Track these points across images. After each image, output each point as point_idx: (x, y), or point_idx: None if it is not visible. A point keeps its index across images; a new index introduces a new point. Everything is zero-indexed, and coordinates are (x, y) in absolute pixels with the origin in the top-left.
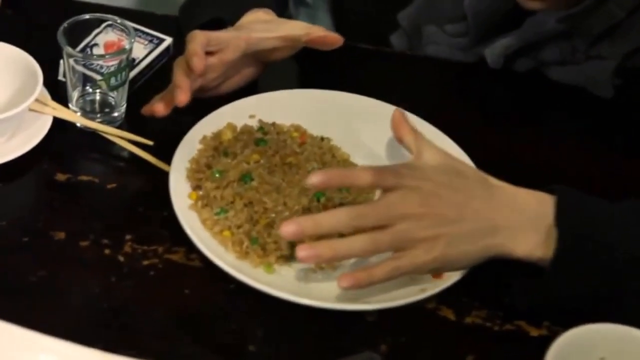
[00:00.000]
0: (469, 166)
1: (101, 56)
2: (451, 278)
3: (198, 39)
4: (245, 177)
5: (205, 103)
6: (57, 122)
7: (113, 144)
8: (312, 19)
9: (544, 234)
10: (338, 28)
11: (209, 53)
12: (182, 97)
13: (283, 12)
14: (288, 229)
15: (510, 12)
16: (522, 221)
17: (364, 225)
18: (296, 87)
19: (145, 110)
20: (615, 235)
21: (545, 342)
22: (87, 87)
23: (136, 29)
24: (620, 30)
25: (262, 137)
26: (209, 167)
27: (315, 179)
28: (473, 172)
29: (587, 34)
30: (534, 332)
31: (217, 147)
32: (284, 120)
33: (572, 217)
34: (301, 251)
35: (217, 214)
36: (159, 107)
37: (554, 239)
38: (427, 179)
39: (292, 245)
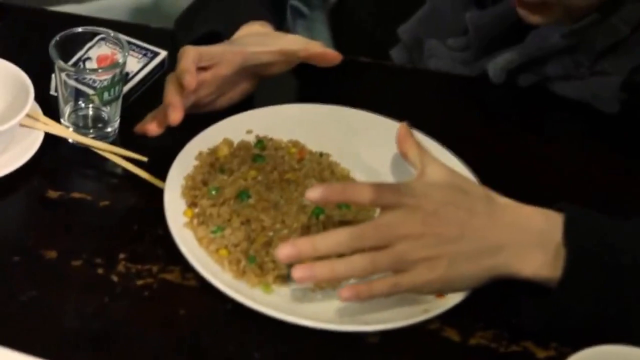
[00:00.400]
0: (472, 183)
1: (94, 70)
2: (455, 298)
3: (190, 55)
4: (242, 194)
5: (200, 118)
6: (49, 138)
7: (106, 160)
8: (310, 31)
9: (551, 253)
10: (336, 41)
11: (203, 68)
12: (175, 115)
13: (280, 24)
14: (284, 251)
15: (512, 26)
16: (528, 240)
17: (362, 246)
18: (294, 101)
19: (138, 129)
20: (625, 254)
21: None
22: (80, 102)
23: (130, 42)
24: (625, 46)
25: (260, 153)
26: (204, 183)
27: (314, 193)
28: (476, 189)
29: (591, 50)
30: (542, 354)
31: (214, 163)
32: (282, 135)
33: (581, 236)
34: (297, 272)
35: (214, 232)
36: (151, 127)
37: (562, 258)
38: (428, 197)
39: (291, 264)
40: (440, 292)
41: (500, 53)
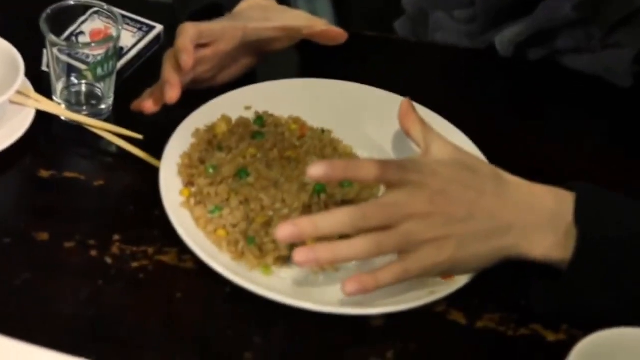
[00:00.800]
0: (480, 160)
1: (87, 44)
2: (462, 279)
3: (188, 32)
4: (241, 173)
5: (198, 94)
6: (41, 116)
7: (100, 138)
8: (312, 4)
9: (562, 234)
10: (338, 14)
11: (203, 44)
12: (172, 93)
13: None
14: (284, 231)
15: None
16: (538, 220)
17: (366, 226)
18: (295, 76)
19: (135, 106)
20: (638, 234)
21: (563, 348)
22: (72, 78)
23: (124, 16)
24: (639, 18)
25: (259, 129)
26: (202, 162)
27: (316, 170)
28: (485, 167)
29: (604, 22)
30: (552, 337)
31: (211, 140)
32: (282, 111)
33: (593, 216)
34: (298, 255)
35: (212, 212)
36: (147, 104)
37: (573, 238)
38: (435, 175)
39: (292, 245)
40: (449, 274)
41: (508, 25)
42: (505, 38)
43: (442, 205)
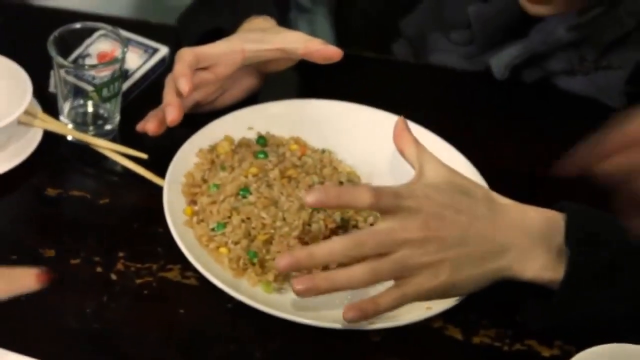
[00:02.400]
0: (473, 183)
1: (93, 66)
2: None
3: (185, 58)
4: (242, 191)
5: (201, 115)
6: (48, 135)
7: (105, 157)
8: (312, 25)
9: (554, 255)
10: (338, 35)
11: (204, 68)
12: (173, 116)
13: (284, 17)
14: (282, 261)
15: (516, 20)
16: (531, 242)
17: (361, 254)
18: (296, 97)
19: (140, 127)
20: (628, 254)
21: None
22: (79, 99)
23: (130, 39)
24: (631, 40)
25: (262, 149)
26: (205, 181)
27: (311, 198)
28: (478, 190)
29: (597, 43)
30: (546, 352)
31: (214, 160)
32: (283, 132)
33: (583, 237)
34: (298, 284)
35: (214, 229)
36: (150, 126)
37: (564, 259)
38: (429, 200)
39: None
40: (445, 297)
41: (504, 47)
42: (500, 61)
43: (436, 230)
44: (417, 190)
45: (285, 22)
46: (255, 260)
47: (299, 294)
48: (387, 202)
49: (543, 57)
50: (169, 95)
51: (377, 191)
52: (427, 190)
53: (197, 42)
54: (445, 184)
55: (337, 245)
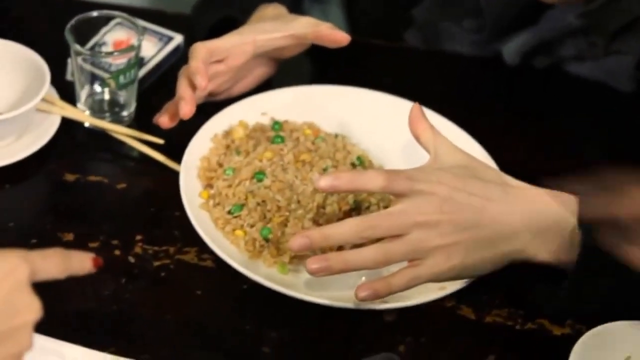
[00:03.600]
0: (487, 166)
1: (109, 53)
2: None
3: (199, 53)
4: (258, 175)
5: (216, 101)
6: (66, 122)
7: (122, 143)
8: (325, 15)
9: (566, 237)
10: (351, 24)
11: (217, 60)
12: (186, 109)
13: (297, 5)
14: (296, 242)
15: (527, 7)
16: (543, 225)
17: (375, 236)
18: (309, 83)
19: (155, 120)
20: None
21: (568, 341)
22: (96, 86)
23: (146, 27)
24: (638, 26)
25: (277, 134)
26: (220, 165)
27: (324, 182)
28: (491, 173)
29: (606, 30)
30: (557, 331)
31: (229, 145)
32: (297, 117)
33: (596, 219)
34: (312, 264)
35: (231, 211)
36: (163, 120)
37: (577, 242)
38: (442, 183)
39: None
40: (458, 278)
41: (515, 34)
42: (511, 48)
43: (449, 213)
44: (430, 173)
45: (298, 10)
46: (269, 236)
47: (312, 273)
48: (400, 185)
49: (553, 44)
50: (182, 88)
51: (390, 174)
52: (440, 174)
53: (210, 31)
54: (459, 168)
55: (350, 226)
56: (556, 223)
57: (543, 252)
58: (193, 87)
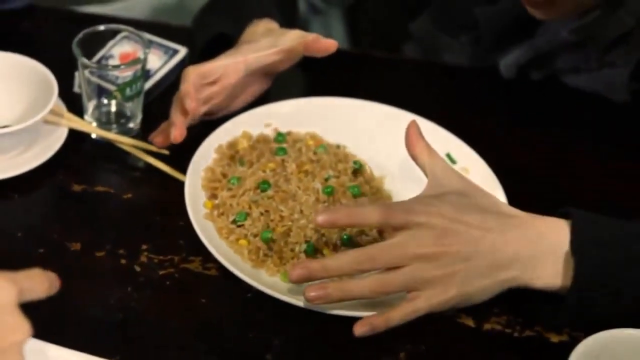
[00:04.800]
0: (482, 192)
1: (116, 67)
2: None
3: (190, 77)
4: (262, 185)
5: (227, 116)
6: (73, 134)
7: (128, 154)
8: (326, 28)
9: (561, 263)
10: (352, 37)
11: (211, 82)
12: (176, 134)
13: (291, 20)
14: (295, 272)
15: (522, 21)
16: (539, 252)
17: (373, 268)
18: (309, 95)
19: (150, 138)
20: (634, 256)
21: (566, 348)
22: (103, 98)
23: (151, 40)
24: (633, 38)
25: (282, 146)
26: (224, 176)
27: (321, 218)
28: (487, 201)
29: (599, 43)
30: (555, 338)
31: (233, 155)
32: (299, 128)
33: (589, 244)
34: (310, 292)
35: (235, 220)
36: (158, 140)
37: (571, 267)
38: (440, 215)
39: (310, 253)
40: (457, 307)
41: (511, 47)
42: (508, 61)
43: (448, 245)
44: (429, 204)
45: (293, 23)
46: (270, 236)
47: (310, 301)
48: (398, 219)
49: (548, 57)
50: (173, 114)
51: (387, 209)
52: (439, 205)
53: (206, 47)
54: (457, 195)
55: (349, 258)
56: (550, 250)
57: (540, 278)
58: (184, 111)
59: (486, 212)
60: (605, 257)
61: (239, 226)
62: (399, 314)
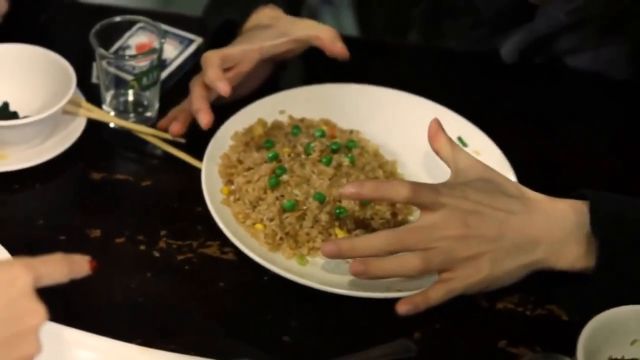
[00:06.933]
0: (506, 178)
1: (132, 56)
2: None
3: (214, 62)
4: (279, 170)
5: (234, 100)
6: (92, 123)
7: (146, 142)
8: (337, 17)
9: (584, 244)
10: (362, 26)
11: (226, 68)
12: (206, 120)
13: (297, 8)
14: (327, 247)
15: (521, 5)
16: (562, 234)
17: (402, 250)
18: (322, 82)
19: (161, 125)
20: None
21: (577, 326)
22: (120, 88)
23: (167, 31)
24: (629, 16)
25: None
26: (240, 162)
27: (347, 190)
28: (511, 187)
29: (597, 22)
30: (566, 316)
31: (248, 142)
32: (313, 114)
33: (608, 224)
34: (354, 266)
35: (250, 207)
36: (175, 128)
37: (594, 248)
38: (467, 199)
39: (325, 236)
40: (486, 290)
41: (512, 31)
42: (508, 46)
43: (475, 226)
44: (455, 188)
45: (298, 12)
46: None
47: (354, 274)
48: (426, 198)
49: (548, 39)
50: (197, 100)
51: (415, 186)
52: (464, 189)
53: (215, 35)
54: (481, 182)
55: (378, 239)
56: (573, 232)
57: (563, 260)
58: (207, 98)
59: (511, 196)
60: (625, 235)
61: (255, 211)
62: (437, 293)
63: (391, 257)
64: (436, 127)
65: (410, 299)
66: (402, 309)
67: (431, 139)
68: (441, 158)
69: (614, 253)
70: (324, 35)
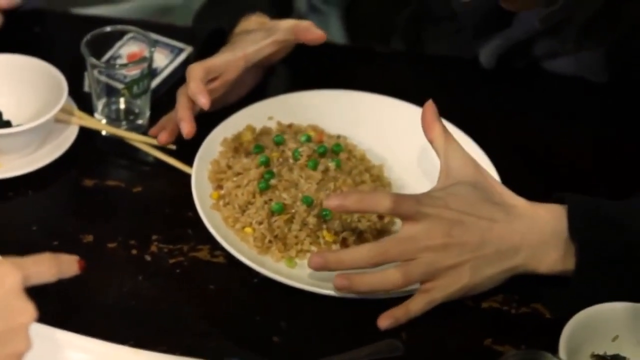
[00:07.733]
0: (493, 184)
1: (123, 65)
2: None
3: (197, 75)
4: (267, 174)
5: (224, 107)
6: (83, 131)
7: (138, 149)
8: (325, 25)
9: (563, 249)
10: (350, 34)
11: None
12: (187, 130)
13: (285, 13)
14: (314, 260)
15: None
16: (542, 239)
17: (386, 262)
18: (310, 88)
19: (151, 133)
20: (632, 233)
21: (560, 324)
22: (112, 97)
23: (157, 40)
24: (604, 18)
25: (280, 135)
26: (229, 167)
27: (332, 202)
28: (496, 192)
29: (573, 26)
30: (549, 314)
31: (237, 148)
32: (301, 120)
33: (586, 228)
34: (338, 281)
35: (239, 211)
36: (162, 137)
37: (572, 252)
38: (448, 207)
39: (313, 240)
40: (467, 296)
41: (490, 36)
42: (487, 52)
43: (457, 235)
44: (437, 198)
45: (285, 12)
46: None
47: (339, 289)
48: (408, 208)
49: (526, 45)
50: (181, 110)
51: (398, 197)
52: (446, 197)
53: (205, 43)
54: (465, 188)
55: (363, 253)
56: (552, 237)
57: (543, 264)
58: (191, 108)
59: (495, 204)
60: (603, 238)
61: (244, 215)
62: (418, 305)
63: (374, 271)
64: (431, 115)
65: (391, 312)
66: (383, 323)
67: (425, 128)
68: (433, 148)
69: (592, 256)
70: (301, 24)
